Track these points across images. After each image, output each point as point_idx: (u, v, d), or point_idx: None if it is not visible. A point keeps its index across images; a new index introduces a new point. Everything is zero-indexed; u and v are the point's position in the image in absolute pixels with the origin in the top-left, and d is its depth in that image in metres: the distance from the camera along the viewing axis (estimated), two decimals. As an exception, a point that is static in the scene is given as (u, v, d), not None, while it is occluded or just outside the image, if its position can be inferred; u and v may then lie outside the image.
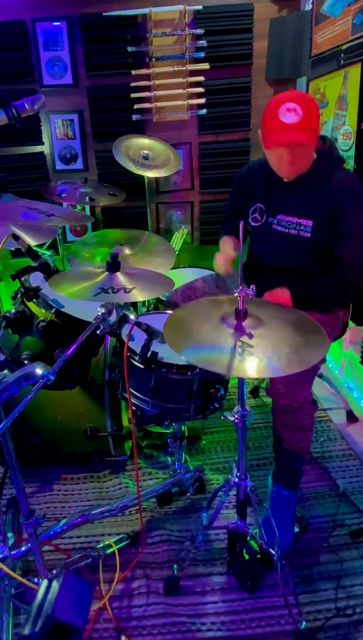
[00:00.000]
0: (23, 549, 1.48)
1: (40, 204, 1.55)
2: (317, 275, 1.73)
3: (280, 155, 1.61)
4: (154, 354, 1.55)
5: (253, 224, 1.83)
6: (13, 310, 1.70)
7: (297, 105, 1.50)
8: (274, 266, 1.81)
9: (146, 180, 2.97)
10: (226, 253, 1.87)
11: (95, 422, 1.98)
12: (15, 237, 1.40)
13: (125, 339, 1.48)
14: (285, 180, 1.71)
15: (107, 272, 1.44)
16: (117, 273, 1.44)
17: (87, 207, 3.27)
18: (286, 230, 1.71)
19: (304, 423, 1.63)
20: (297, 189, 1.69)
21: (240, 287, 1.18)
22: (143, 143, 2.85)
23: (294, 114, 1.50)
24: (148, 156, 2.76)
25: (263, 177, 1.78)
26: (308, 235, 1.67)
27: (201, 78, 3.06)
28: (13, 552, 1.45)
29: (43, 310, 1.69)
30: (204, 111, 3.12)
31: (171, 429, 1.82)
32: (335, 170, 1.67)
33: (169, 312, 1.75)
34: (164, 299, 2.27)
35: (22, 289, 1.73)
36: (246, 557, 1.54)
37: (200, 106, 3.12)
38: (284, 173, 1.69)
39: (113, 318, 1.43)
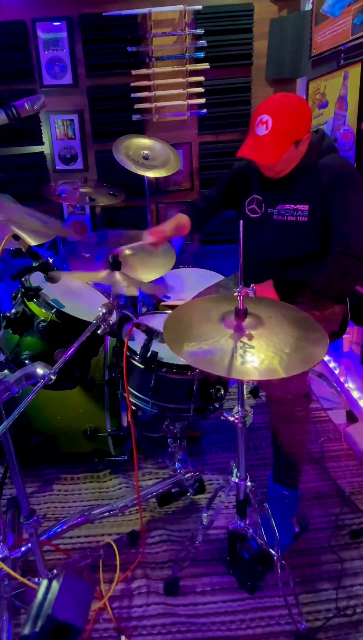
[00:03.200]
0: (23, 549, 1.47)
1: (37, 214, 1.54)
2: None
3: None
4: (154, 353, 1.55)
5: (252, 215, 1.83)
6: (13, 310, 1.70)
7: (270, 118, 1.54)
8: (269, 258, 1.80)
9: (146, 180, 2.97)
10: (164, 227, 1.88)
11: (95, 422, 1.98)
12: (16, 237, 1.40)
13: (125, 339, 1.48)
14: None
15: (107, 272, 1.44)
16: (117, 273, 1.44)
17: (87, 207, 3.27)
18: (285, 218, 1.72)
19: (298, 415, 1.63)
20: (293, 178, 1.71)
21: (240, 287, 1.18)
22: (143, 143, 2.85)
23: (264, 127, 1.55)
24: (148, 156, 2.76)
25: (259, 170, 1.79)
26: (306, 219, 1.68)
27: (201, 78, 3.06)
28: (13, 552, 1.45)
29: (43, 310, 1.69)
30: (204, 111, 3.13)
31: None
32: (325, 155, 1.69)
33: (169, 312, 1.75)
34: (165, 299, 2.27)
35: (23, 289, 1.72)
36: (246, 557, 1.54)
37: (200, 106, 3.12)
38: (262, 171, 1.73)
39: (113, 318, 1.43)
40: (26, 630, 0.77)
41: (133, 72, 3.04)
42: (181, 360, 1.55)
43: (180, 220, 1.94)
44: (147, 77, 3.06)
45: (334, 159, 1.70)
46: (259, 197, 1.80)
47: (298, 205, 1.69)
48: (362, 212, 1.64)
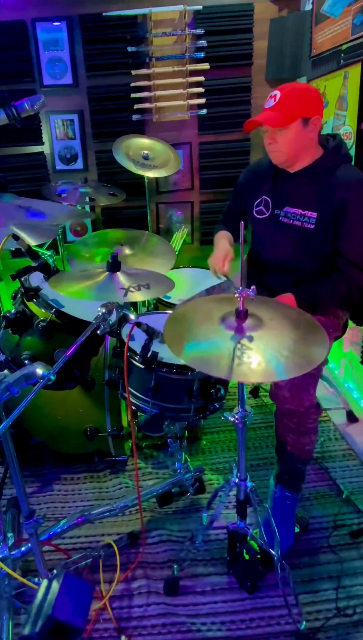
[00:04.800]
0: (23, 549, 1.48)
1: (41, 203, 1.55)
2: (319, 273, 1.72)
3: (265, 139, 1.70)
4: (155, 354, 1.55)
5: (258, 217, 1.83)
6: (13, 310, 1.70)
7: (278, 92, 1.61)
8: (276, 261, 1.80)
9: (146, 180, 2.97)
10: (223, 250, 1.84)
11: (95, 422, 1.98)
12: (16, 237, 1.40)
13: (125, 339, 1.48)
14: (291, 171, 1.74)
15: (107, 272, 1.44)
16: (118, 273, 1.43)
17: (87, 207, 3.27)
18: (291, 221, 1.73)
19: (309, 427, 1.62)
20: (303, 181, 1.72)
21: (240, 287, 1.18)
22: (142, 143, 2.85)
23: (272, 100, 1.62)
24: (148, 156, 2.76)
25: (270, 171, 1.81)
26: (312, 226, 1.68)
27: (201, 78, 3.06)
28: (13, 552, 1.45)
29: (43, 310, 1.69)
30: (204, 111, 3.12)
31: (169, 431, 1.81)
32: (341, 165, 1.69)
33: (169, 312, 1.75)
34: (165, 299, 2.27)
35: (22, 289, 1.72)
36: (246, 557, 1.54)
37: (200, 106, 3.12)
38: (271, 157, 1.74)
39: (113, 318, 1.43)
40: (26, 631, 0.77)
41: (133, 72, 3.04)
42: (182, 360, 1.55)
43: (227, 236, 1.95)
44: (147, 77, 3.06)
45: (349, 173, 1.69)
46: (267, 198, 1.81)
47: (306, 212, 1.69)
48: None
